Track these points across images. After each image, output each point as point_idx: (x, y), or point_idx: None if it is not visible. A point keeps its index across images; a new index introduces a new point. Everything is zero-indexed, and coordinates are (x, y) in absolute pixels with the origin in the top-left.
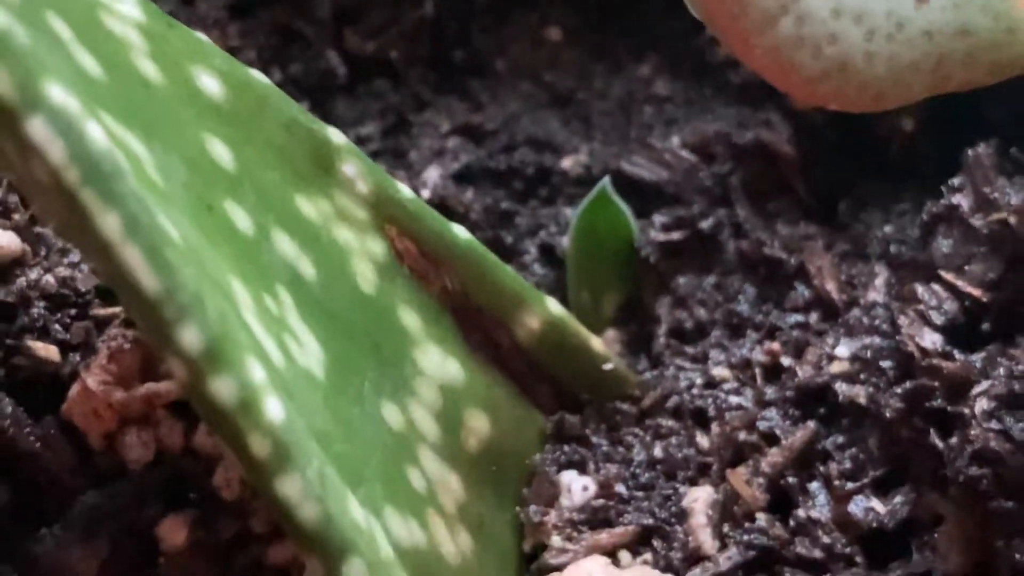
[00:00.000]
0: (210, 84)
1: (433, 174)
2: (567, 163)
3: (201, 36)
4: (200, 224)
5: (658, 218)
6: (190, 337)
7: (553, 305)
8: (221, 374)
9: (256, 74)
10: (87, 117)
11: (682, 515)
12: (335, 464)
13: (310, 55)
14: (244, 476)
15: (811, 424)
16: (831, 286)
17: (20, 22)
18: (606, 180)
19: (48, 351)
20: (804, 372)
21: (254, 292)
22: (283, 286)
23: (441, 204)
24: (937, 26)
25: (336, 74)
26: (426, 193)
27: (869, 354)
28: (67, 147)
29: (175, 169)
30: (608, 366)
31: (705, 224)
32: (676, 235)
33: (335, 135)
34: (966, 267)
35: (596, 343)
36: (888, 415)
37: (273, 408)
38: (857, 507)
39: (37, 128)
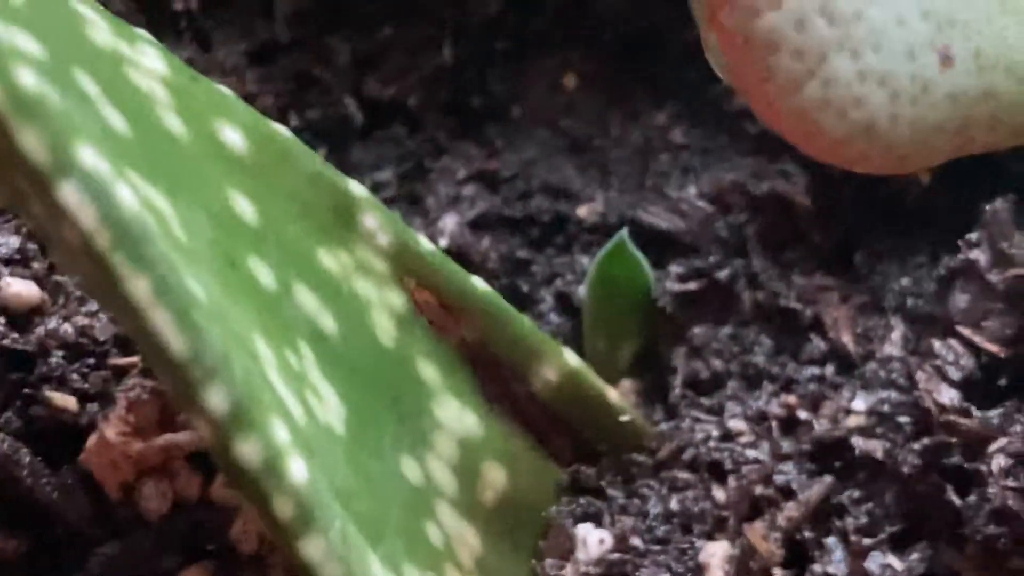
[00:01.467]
0: (233, 138)
1: (450, 222)
2: (583, 211)
3: (224, 89)
4: (224, 281)
5: (674, 268)
6: (216, 399)
7: (570, 357)
8: (246, 436)
9: (279, 127)
10: (117, 180)
11: (699, 569)
12: (356, 522)
13: (328, 101)
14: (268, 535)
15: (827, 478)
16: (847, 339)
17: (50, 82)
18: (624, 231)
19: (66, 401)
20: (820, 426)
21: (276, 348)
22: (304, 341)
23: (458, 252)
24: (961, 89)
25: (353, 120)
26: (443, 241)
27: (886, 408)
28: (98, 211)
29: (200, 225)
30: (624, 418)
31: (721, 274)
32: (692, 285)
33: (356, 188)
34: (983, 322)
35: (612, 395)
36: (905, 471)
37: (296, 470)
38: (874, 563)
39: (69, 193)
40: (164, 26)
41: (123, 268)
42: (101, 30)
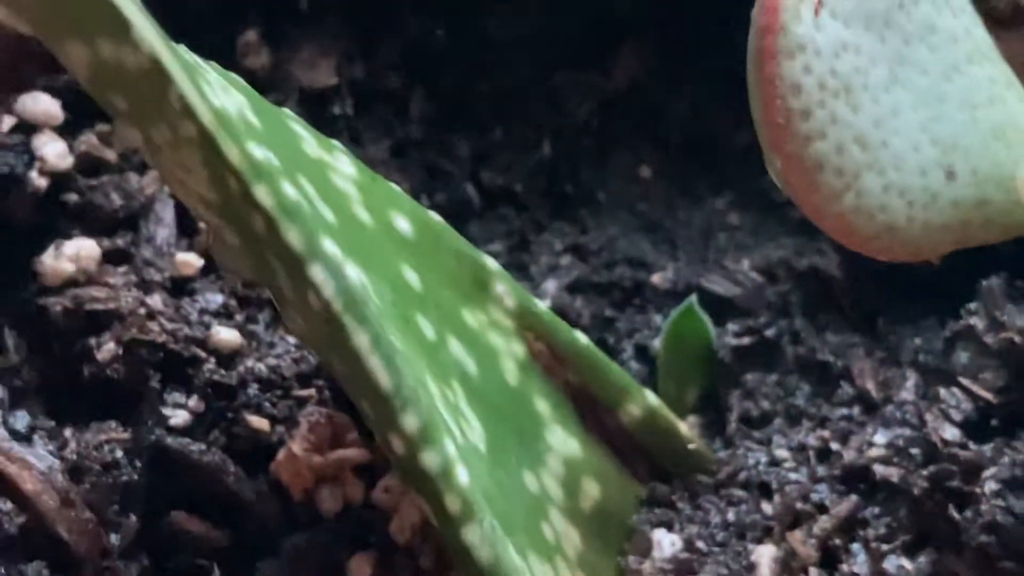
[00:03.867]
0: (403, 224)
1: (551, 286)
2: (657, 279)
3: (394, 186)
4: (403, 333)
5: (731, 326)
6: (411, 422)
7: (651, 397)
8: (429, 449)
9: (433, 215)
10: (345, 261)
11: (751, 568)
12: (497, 518)
13: (452, 187)
14: (436, 526)
15: (854, 497)
16: (871, 386)
17: (295, 188)
18: (694, 296)
19: (261, 423)
20: (848, 455)
21: (439, 385)
22: (456, 380)
23: (559, 311)
24: (962, 198)
25: (472, 202)
26: (547, 302)
27: (901, 442)
28: (335, 285)
29: (384, 291)
30: (692, 446)
31: (769, 332)
32: (746, 340)
33: (490, 262)
34: (980, 375)
35: (682, 427)
36: (916, 492)
37: (462, 475)
38: (890, 565)
39: (316, 272)
40: (325, 127)
41: (351, 326)
42: (310, 144)
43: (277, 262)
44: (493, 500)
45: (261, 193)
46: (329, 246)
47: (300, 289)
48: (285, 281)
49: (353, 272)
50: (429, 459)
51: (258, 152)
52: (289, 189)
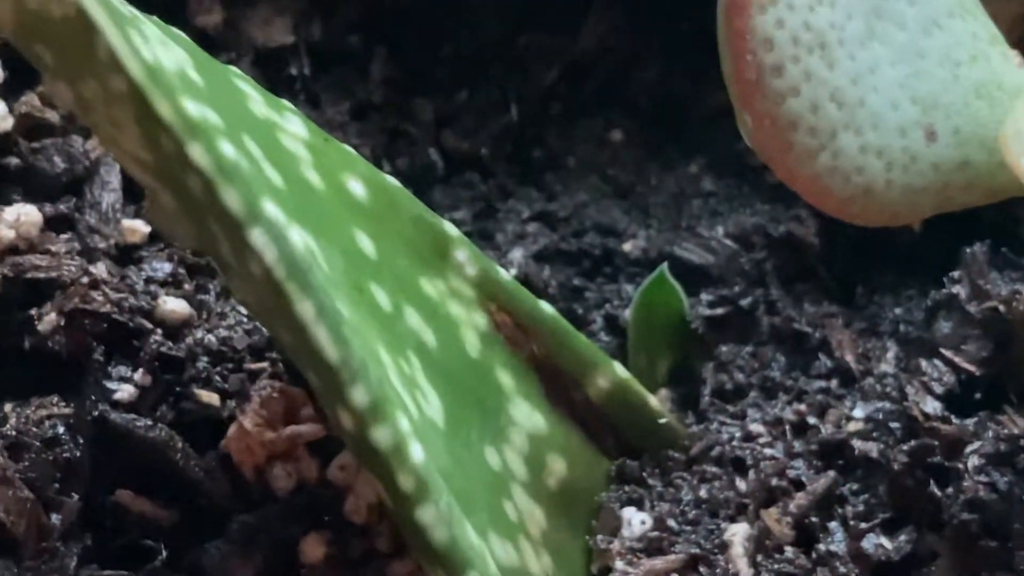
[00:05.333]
0: (357, 188)
1: (517, 254)
2: (628, 247)
3: (348, 148)
4: (355, 303)
5: (705, 296)
6: (359, 396)
7: (620, 369)
8: (380, 424)
9: (390, 179)
10: (290, 226)
11: (723, 546)
12: (455, 496)
13: (415, 151)
14: (389, 505)
15: (831, 473)
16: (849, 358)
17: (235, 148)
18: (665, 265)
19: (210, 398)
20: (826, 430)
21: (394, 357)
22: (412, 351)
23: (525, 280)
24: (943, 159)
25: (436, 167)
26: (512, 270)
27: (880, 416)
28: (277, 250)
29: (335, 259)
30: (662, 420)
31: (744, 302)
32: (720, 311)
33: (450, 228)
34: (962, 346)
35: (653, 401)
36: (896, 468)
37: (416, 452)
38: (869, 543)
39: (257, 236)
40: (282, 88)
41: (294, 293)
42: (258, 103)
43: (217, 226)
44: (451, 477)
45: (196, 152)
46: (271, 209)
47: (241, 255)
48: (226, 247)
49: (298, 237)
50: (380, 435)
51: (193, 108)
52: (228, 148)
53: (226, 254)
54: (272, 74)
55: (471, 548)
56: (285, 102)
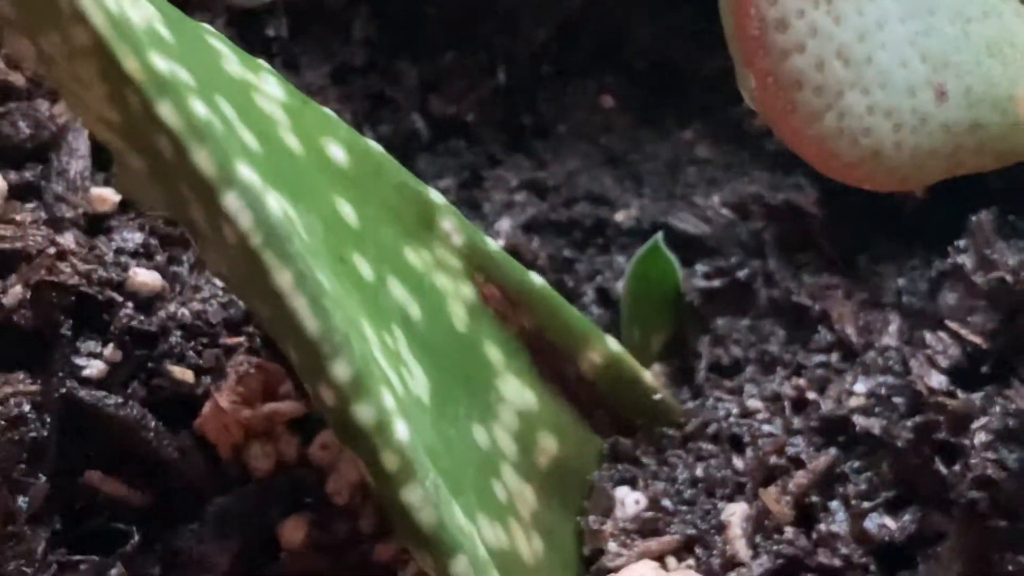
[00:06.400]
0: (337, 153)
1: (505, 224)
2: (620, 216)
3: (328, 111)
4: (336, 273)
5: (700, 267)
6: (341, 371)
7: (612, 343)
8: (362, 401)
9: (373, 144)
10: (266, 190)
11: (720, 527)
12: (442, 476)
13: (398, 117)
14: (372, 485)
15: (832, 451)
16: (850, 330)
17: (207, 107)
18: (659, 235)
19: (184, 374)
20: (826, 405)
21: (377, 331)
22: (397, 325)
23: (512, 251)
24: (954, 121)
25: (420, 134)
26: (500, 241)
27: (883, 391)
28: (253, 216)
29: (315, 227)
30: (657, 396)
31: (741, 273)
32: (716, 283)
33: (436, 196)
34: (968, 318)
35: (647, 376)
36: (899, 444)
37: (400, 430)
38: (871, 523)
39: (231, 201)
40: (258, 51)
41: (272, 262)
42: (232, 62)
43: (188, 191)
44: (437, 456)
45: (165, 110)
46: (245, 172)
47: (215, 222)
48: (198, 212)
49: (275, 202)
50: (363, 412)
51: (162, 64)
52: (199, 107)
53: (199, 221)
54: (249, 35)
55: (459, 530)
56: (261, 62)
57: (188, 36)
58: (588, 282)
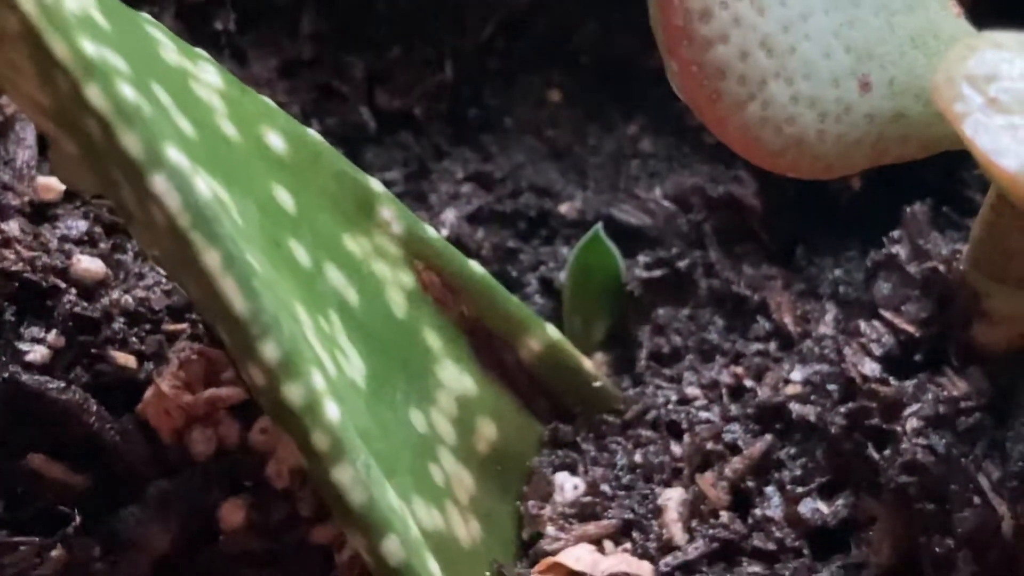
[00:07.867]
0: (275, 141)
1: (450, 215)
2: (564, 208)
3: (267, 100)
4: (271, 258)
5: (642, 258)
6: (270, 351)
7: (552, 331)
8: (292, 381)
9: (312, 132)
10: (195, 173)
11: (657, 511)
12: (375, 458)
13: (345, 110)
14: (305, 466)
15: (768, 437)
16: (788, 320)
17: (137, 91)
18: (599, 225)
19: (127, 360)
20: (763, 393)
21: (312, 315)
22: (333, 310)
23: (457, 241)
24: (878, 110)
25: (367, 126)
26: (444, 232)
27: (818, 379)
28: (181, 198)
29: (250, 212)
30: (597, 384)
31: (682, 264)
32: (657, 273)
33: (375, 184)
34: (902, 307)
35: (587, 364)
36: (833, 431)
37: (331, 410)
38: (805, 508)
39: (159, 183)
40: (206, 43)
41: (199, 243)
42: (170, 50)
43: (118, 173)
44: (371, 438)
45: (93, 93)
46: (174, 154)
47: (144, 204)
48: (129, 195)
49: (203, 184)
50: (292, 392)
51: (91, 48)
52: (127, 90)
53: (130, 204)
54: (196, 28)
55: (391, 510)
56: (200, 51)
57: (125, 24)
58: (532, 272)
